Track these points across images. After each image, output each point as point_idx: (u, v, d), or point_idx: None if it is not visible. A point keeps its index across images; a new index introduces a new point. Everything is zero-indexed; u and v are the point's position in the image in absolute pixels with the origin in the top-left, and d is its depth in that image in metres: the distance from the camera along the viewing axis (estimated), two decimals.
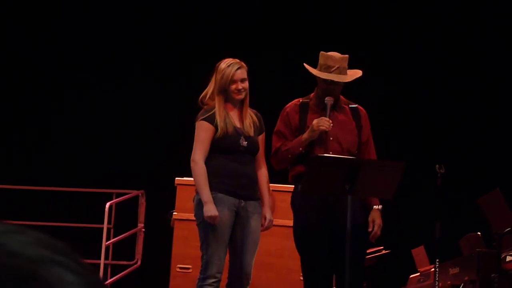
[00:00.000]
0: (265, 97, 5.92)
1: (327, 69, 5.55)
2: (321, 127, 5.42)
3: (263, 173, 5.58)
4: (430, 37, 10.84)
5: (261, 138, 5.60)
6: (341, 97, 5.73)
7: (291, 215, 6.43)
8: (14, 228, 0.67)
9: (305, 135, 5.48)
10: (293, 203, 5.66)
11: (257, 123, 5.56)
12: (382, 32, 10.82)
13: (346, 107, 5.72)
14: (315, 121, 5.45)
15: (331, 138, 5.51)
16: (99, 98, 10.78)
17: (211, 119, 5.41)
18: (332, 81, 5.52)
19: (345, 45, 5.99)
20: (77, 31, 10.82)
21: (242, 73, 5.44)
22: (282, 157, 5.58)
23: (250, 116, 5.53)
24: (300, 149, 5.48)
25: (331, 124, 5.45)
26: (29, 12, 10.85)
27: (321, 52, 5.65)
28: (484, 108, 10.71)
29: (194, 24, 10.84)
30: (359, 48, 5.88)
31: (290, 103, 5.76)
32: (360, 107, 5.77)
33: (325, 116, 5.47)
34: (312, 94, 5.73)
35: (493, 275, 5.92)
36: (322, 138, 5.48)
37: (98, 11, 10.86)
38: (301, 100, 5.72)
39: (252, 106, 5.63)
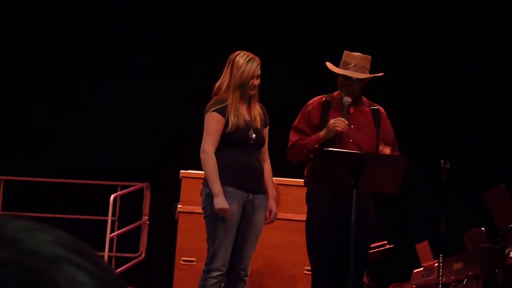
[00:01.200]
0: (269, 95, 5.92)
1: (345, 65, 5.64)
2: (336, 128, 5.46)
3: (267, 166, 5.59)
4: (430, 36, 10.83)
5: (266, 131, 5.61)
6: (363, 98, 5.75)
7: (296, 209, 6.45)
8: (37, 225, 0.67)
9: (322, 133, 5.53)
10: (307, 198, 5.69)
11: (263, 116, 5.57)
12: (382, 30, 10.81)
13: (367, 108, 5.74)
14: (331, 121, 5.49)
15: (350, 140, 5.53)
16: (104, 91, 10.79)
17: (222, 111, 5.40)
18: (347, 78, 5.56)
19: (345, 45, 5.99)
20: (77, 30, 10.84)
21: (259, 69, 5.45)
22: (298, 152, 5.62)
23: (257, 109, 5.54)
24: (316, 146, 5.50)
25: (347, 125, 5.47)
26: (29, 12, 10.85)
27: (345, 51, 5.72)
28: (490, 103, 10.70)
29: (194, 23, 10.84)
30: (359, 47, 5.88)
31: (313, 100, 5.79)
32: (381, 108, 5.79)
33: (343, 117, 5.49)
34: (335, 93, 5.76)
35: (497, 270, 5.92)
36: (341, 139, 5.50)
37: (98, 11, 10.86)
38: (324, 98, 5.75)
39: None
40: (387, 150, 5.48)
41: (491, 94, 10.69)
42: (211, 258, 5.36)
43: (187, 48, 10.74)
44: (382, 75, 5.70)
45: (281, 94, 9.53)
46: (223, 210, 5.26)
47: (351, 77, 5.58)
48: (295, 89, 9.22)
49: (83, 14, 10.86)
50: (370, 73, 5.66)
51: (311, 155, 5.57)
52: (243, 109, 5.47)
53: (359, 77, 5.60)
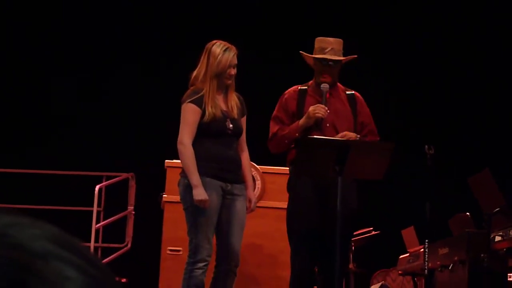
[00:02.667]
0: (250, 85, 5.93)
1: (322, 50, 5.66)
2: (317, 114, 5.48)
3: (245, 156, 5.58)
4: (413, 23, 10.84)
5: (243, 121, 5.59)
6: (338, 84, 5.77)
7: (281, 197, 6.44)
8: (25, 220, 0.67)
9: (301, 121, 5.54)
10: (288, 185, 5.70)
11: (240, 106, 5.55)
12: (364, 17, 10.81)
13: (343, 93, 5.77)
14: (311, 108, 5.50)
15: (327, 125, 5.56)
16: (89, 83, 10.75)
17: (198, 102, 5.38)
18: (326, 62, 5.57)
19: (322, 33, 6.00)
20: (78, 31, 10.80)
21: (236, 58, 5.44)
22: (279, 142, 5.62)
23: (234, 98, 5.52)
24: (297, 134, 5.52)
25: (327, 111, 5.50)
26: (29, 12, 10.81)
27: (316, 38, 5.75)
28: (474, 89, 10.73)
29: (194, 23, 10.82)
30: (337, 33, 5.89)
31: (288, 90, 5.81)
32: (357, 94, 5.82)
33: (322, 103, 5.52)
34: (310, 82, 5.79)
35: (482, 255, 5.94)
36: (318, 125, 5.53)
37: (98, 11, 10.82)
38: (299, 87, 5.78)
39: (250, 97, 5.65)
40: (351, 135, 5.51)
41: (475, 79, 10.72)
42: (195, 249, 5.34)
43: (170, 40, 10.71)
44: (356, 57, 5.73)
45: (262, 83, 9.52)
46: (202, 201, 5.24)
47: (331, 59, 5.59)
48: (276, 78, 9.22)
49: (83, 14, 10.81)
50: (344, 56, 5.70)
51: (293, 145, 5.57)
52: (220, 99, 5.46)
53: (340, 58, 5.63)
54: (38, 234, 0.65)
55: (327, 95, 5.63)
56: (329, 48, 5.63)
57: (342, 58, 5.66)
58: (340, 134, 5.50)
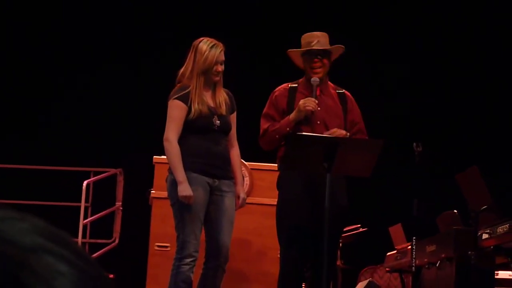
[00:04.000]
0: (239, 81, 5.93)
1: (308, 44, 5.69)
2: (307, 107, 5.49)
3: (235, 152, 5.58)
4: (402, 21, 10.85)
5: (233, 117, 5.59)
6: (329, 82, 5.79)
7: (269, 193, 6.45)
8: (15, 214, 0.66)
9: (292, 116, 5.56)
10: (278, 182, 5.70)
11: (229, 102, 5.55)
12: (357, 15, 10.82)
13: (334, 92, 5.80)
14: (301, 102, 5.52)
15: (318, 122, 5.56)
16: (77, 79, 10.73)
17: (184, 99, 5.39)
18: (315, 54, 5.60)
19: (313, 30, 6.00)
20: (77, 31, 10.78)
21: (223, 55, 5.44)
22: (270, 138, 5.63)
23: (222, 95, 5.52)
24: (288, 129, 5.52)
25: (318, 105, 5.51)
26: (29, 12, 10.77)
27: (303, 34, 5.76)
28: (462, 86, 10.75)
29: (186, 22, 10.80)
30: (326, 31, 5.90)
31: (279, 87, 5.83)
32: (347, 92, 5.84)
33: (312, 97, 5.52)
34: (301, 80, 5.80)
35: (469, 252, 5.95)
36: (309, 121, 5.54)
37: (98, 11, 10.79)
38: (290, 85, 5.81)
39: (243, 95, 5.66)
40: (342, 132, 5.52)
41: (463, 77, 10.74)
42: (182, 245, 5.35)
43: (157, 37, 10.70)
44: (343, 48, 5.74)
45: (250, 80, 9.52)
46: (187, 197, 5.25)
47: (318, 49, 5.62)
48: (264, 75, 9.22)
49: (83, 14, 10.78)
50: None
51: (282, 142, 5.58)
52: (207, 96, 5.46)
53: (327, 48, 5.65)
54: (28, 228, 0.65)
55: (318, 92, 5.64)
56: (315, 41, 5.67)
57: (329, 47, 5.68)
58: (329, 131, 5.51)
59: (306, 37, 5.74)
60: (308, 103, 5.50)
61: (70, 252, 0.65)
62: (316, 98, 5.56)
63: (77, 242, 0.69)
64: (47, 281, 0.62)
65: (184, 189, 5.25)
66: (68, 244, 0.66)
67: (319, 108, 5.57)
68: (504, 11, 10.62)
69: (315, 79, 5.61)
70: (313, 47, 5.65)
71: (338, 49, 5.75)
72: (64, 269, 0.64)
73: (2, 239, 0.63)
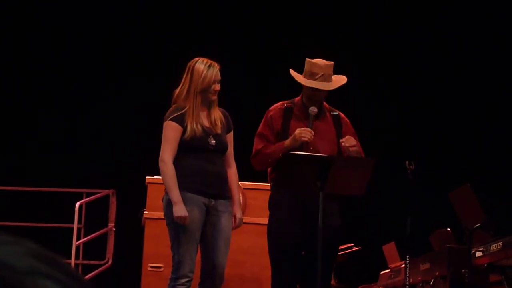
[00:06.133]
0: (232, 100, 5.93)
1: (312, 76, 5.59)
2: (303, 138, 5.47)
3: (232, 172, 5.57)
4: (394, 35, 10.89)
5: (229, 137, 5.59)
6: (324, 103, 5.76)
7: (263, 212, 6.44)
8: (9, 238, 0.66)
9: (287, 143, 5.52)
10: (269, 202, 5.68)
11: (225, 122, 5.55)
12: (348, 32, 10.85)
13: (328, 114, 5.76)
14: (297, 131, 5.48)
15: (311, 148, 5.53)
16: (68, 99, 10.72)
17: (180, 120, 5.39)
18: (316, 89, 5.55)
19: (306, 49, 6.01)
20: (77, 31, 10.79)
21: (219, 74, 5.46)
22: (262, 160, 5.62)
23: (218, 114, 5.52)
24: (281, 154, 5.49)
25: (313, 135, 5.48)
26: (29, 12, 10.79)
27: (307, 59, 5.69)
28: (454, 103, 10.77)
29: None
30: (320, 50, 5.90)
31: (274, 106, 5.78)
32: (342, 114, 5.80)
33: (308, 126, 5.51)
34: (297, 99, 5.76)
35: (463, 270, 5.96)
36: (302, 146, 5.50)
37: (98, 11, 10.80)
38: (285, 105, 5.75)
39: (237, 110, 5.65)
40: (353, 141, 5.51)
41: (455, 94, 10.77)
42: (177, 265, 5.33)
43: (152, 57, 10.71)
44: (345, 82, 5.69)
45: (244, 98, 9.52)
46: (182, 218, 5.24)
47: (321, 89, 5.57)
48: (260, 93, 9.23)
49: (83, 14, 10.80)
50: (333, 73, 5.65)
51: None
52: (203, 115, 5.47)
53: (330, 88, 5.60)
54: (23, 251, 0.65)
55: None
56: (320, 74, 5.56)
57: (332, 87, 5.60)
58: (344, 138, 5.50)
59: (311, 65, 5.61)
60: (304, 133, 5.46)
61: (65, 275, 0.65)
62: (312, 127, 5.53)
63: (70, 264, 0.69)
64: None
65: (179, 210, 5.25)
66: (62, 266, 0.66)
67: (313, 135, 5.53)
68: (493, 30, 10.67)
69: (313, 109, 5.58)
70: (317, 85, 5.55)
71: (341, 80, 5.69)
72: None
73: None
